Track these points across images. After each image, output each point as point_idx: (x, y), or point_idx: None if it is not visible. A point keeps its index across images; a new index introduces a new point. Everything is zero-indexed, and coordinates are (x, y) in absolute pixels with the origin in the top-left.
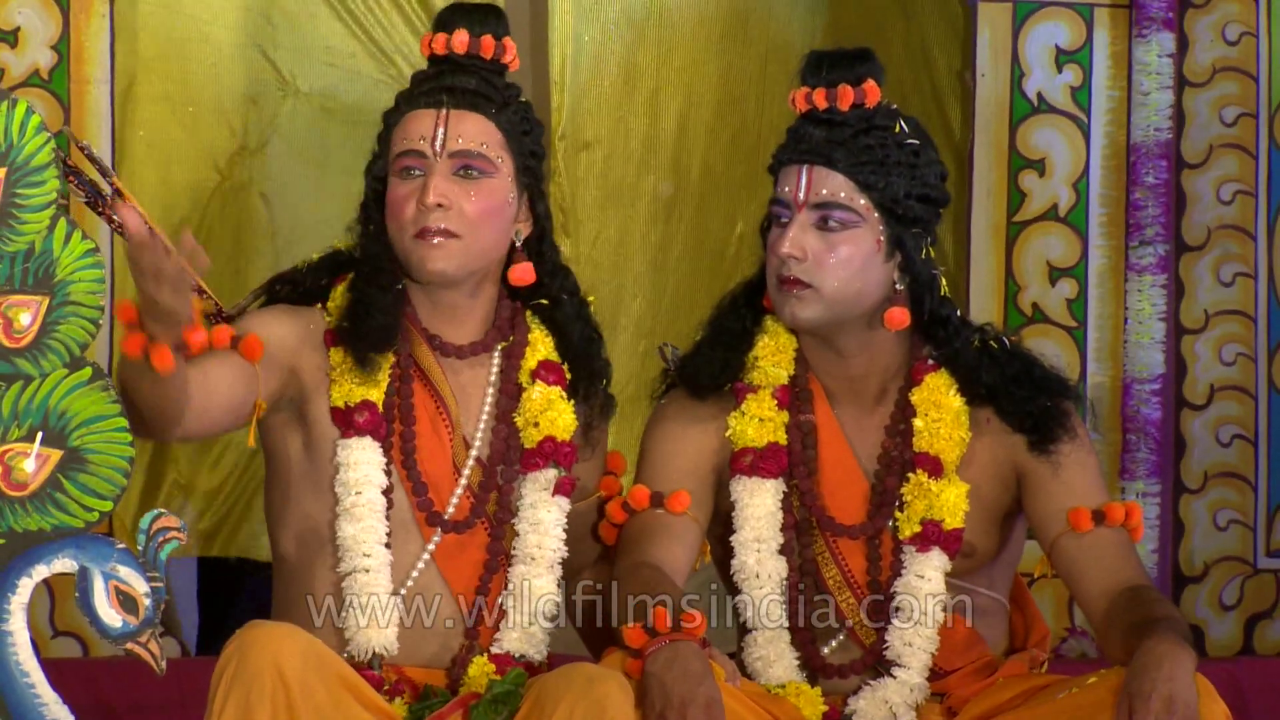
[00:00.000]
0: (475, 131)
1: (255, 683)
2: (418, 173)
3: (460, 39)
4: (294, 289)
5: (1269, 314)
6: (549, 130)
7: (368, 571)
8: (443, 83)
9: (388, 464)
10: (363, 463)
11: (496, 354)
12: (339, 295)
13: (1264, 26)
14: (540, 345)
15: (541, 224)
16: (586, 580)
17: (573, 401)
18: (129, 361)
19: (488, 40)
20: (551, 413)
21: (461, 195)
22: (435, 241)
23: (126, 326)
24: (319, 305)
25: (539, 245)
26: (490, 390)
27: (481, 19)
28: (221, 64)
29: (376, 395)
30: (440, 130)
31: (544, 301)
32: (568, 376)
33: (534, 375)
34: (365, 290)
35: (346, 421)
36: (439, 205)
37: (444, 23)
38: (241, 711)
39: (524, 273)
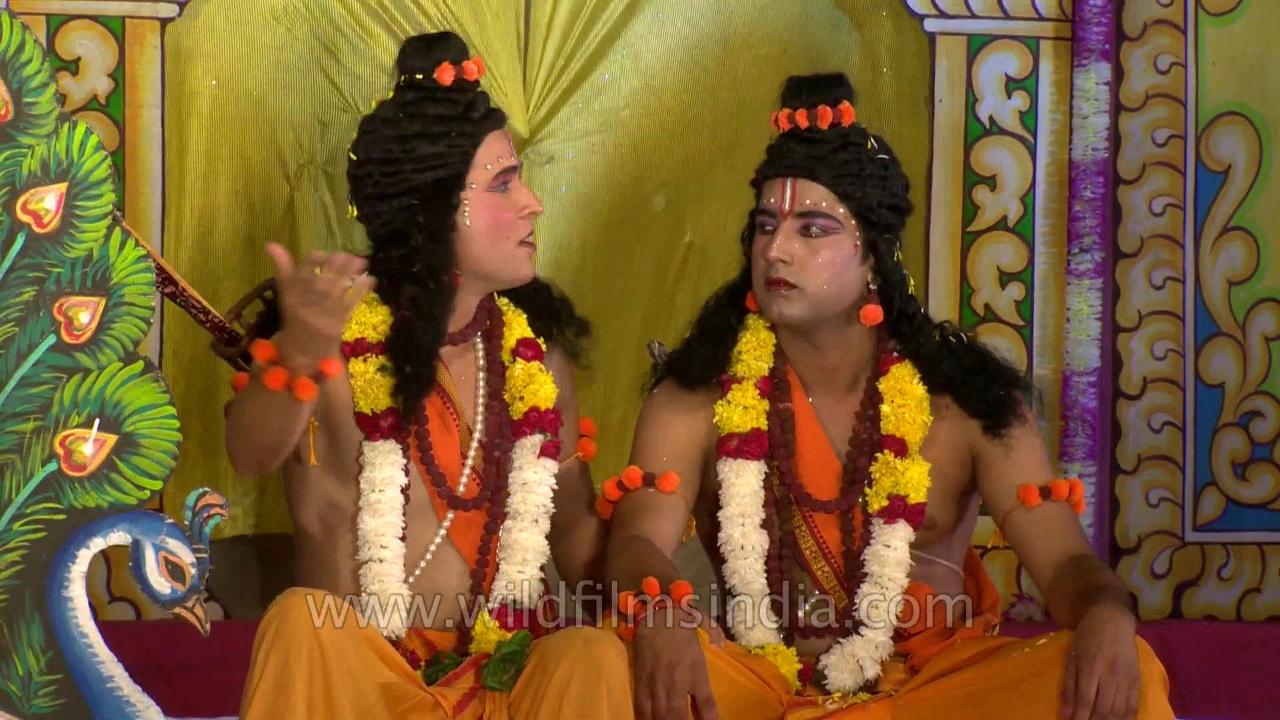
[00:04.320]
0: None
1: (294, 644)
2: (505, 187)
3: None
4: None
5: (1195, 314)
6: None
7: (382, 562)
8: (481, 110)
9: (406, 462)
10: (386, 464)
11: (479, 339)
12: (361, 314)
13: (1192, 57)
14: (515, 324)
15: None
16: (586, 580)
17: (555, 353)
18: (259, 399)
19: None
20: (534, 385)
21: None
22: (530, 251)
23: (265, 364)
24: None
25: None
26: (481, 375)
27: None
28: (263, 89)
29: (399, 403)
30: (508, 145)
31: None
32: (543, 348)
33: (514, 353)
34: (422, 338)
35: (372, 426)
36: (532, 213)
37: None
38: (281, 669)
39: None
